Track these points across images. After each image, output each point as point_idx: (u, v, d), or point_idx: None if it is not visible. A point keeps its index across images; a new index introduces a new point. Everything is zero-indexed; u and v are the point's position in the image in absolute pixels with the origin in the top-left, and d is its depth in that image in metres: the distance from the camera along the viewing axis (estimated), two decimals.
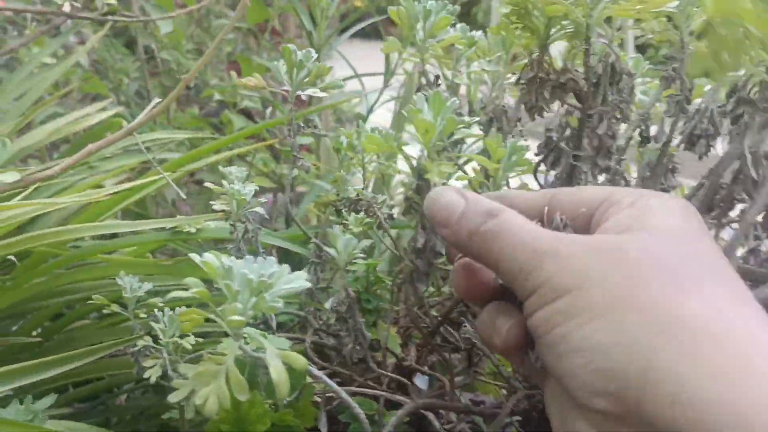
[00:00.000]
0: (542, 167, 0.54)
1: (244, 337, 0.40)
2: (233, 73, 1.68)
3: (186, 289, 0.34)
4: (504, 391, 0.78)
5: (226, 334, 0.41)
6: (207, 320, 0.40)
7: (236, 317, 0.33)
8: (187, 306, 0.75)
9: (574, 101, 0.70)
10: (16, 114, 0.99)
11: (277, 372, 0.33)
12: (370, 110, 1.28)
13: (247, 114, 1.45)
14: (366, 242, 0.46)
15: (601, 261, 0.33)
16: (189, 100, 1.80)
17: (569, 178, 0.49)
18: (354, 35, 1.45)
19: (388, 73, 1.24)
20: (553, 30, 0.58)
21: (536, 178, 0.55)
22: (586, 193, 0.39)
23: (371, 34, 1.49)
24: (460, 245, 0.39)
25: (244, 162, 1.13)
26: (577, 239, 0.35)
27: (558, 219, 0.38)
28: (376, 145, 0.44)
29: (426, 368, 0.65)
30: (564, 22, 0.55)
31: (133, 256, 0.80)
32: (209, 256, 0.34)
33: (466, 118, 0.42)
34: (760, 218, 0.59)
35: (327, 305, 0.47)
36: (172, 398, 0.34)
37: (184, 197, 0.72)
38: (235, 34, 1.88)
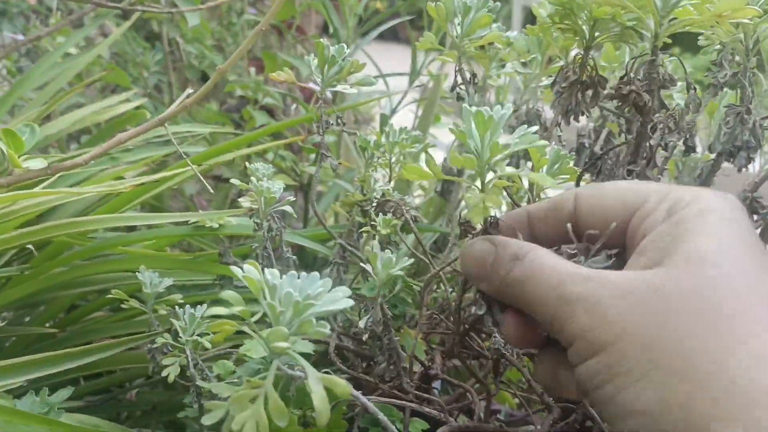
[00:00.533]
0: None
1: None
2: (252, 70, 1.67)
3: (225, 305, 0.32)
4: (517, 400, 0.76)
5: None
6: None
7: (282, 344, 0.31)
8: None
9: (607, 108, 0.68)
10: (39, 103, 0.98)
11: (319, 399, 0.31)
12: (394, 111, 1.27)
13: (268, 111, 1.44)
14: (408, 261, 0.44)
15: (635, 310, 0.30)
16: (208, 95, 1.79)
17: None
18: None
19: (414, 74, 1.23)
20: (597, 33, 0.56)
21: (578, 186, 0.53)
22: (613, 198, 0.36)
23: (388, 36, 1.47)
24: (498, 295, 0.38)
25: (263, 159, 1.12)
26: (607, 281, 0.32)
27: (586, 246, 0.36)
28: (418, 174, 0.42)
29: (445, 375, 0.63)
30: (611, 25, 0.53)
31: (152, 250, 0.79)
32: (251, 270, 0.32)
33: (520, 132, 0.39)
34: None
35: (361, 323, 0.45)
36: (206, 421, 0.33)
37: (212, 191, 0.71)
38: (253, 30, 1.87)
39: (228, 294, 0.34)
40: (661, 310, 0.29)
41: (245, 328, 0.36)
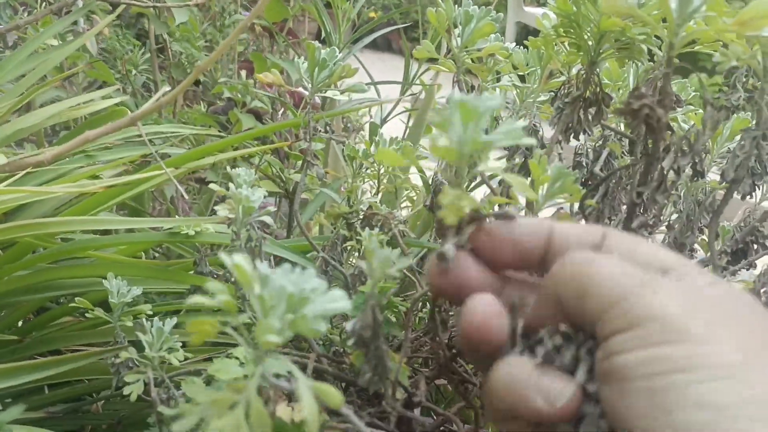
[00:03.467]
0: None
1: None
2: (243, 72, 1.63)
3: (209, 296, 0.28)
4: None
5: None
6: None
7: (272, 337, 0.27)
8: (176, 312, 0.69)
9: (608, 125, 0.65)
10: (15, 94, 0.94)
11: (309, 407, 0.27)
12: (384, 120, 1.24)
13: (255, 114, 1.40)
14: (406, 261, 0.40)
15: (736, 312, 0.29)
16: (196, 97, 1.75)
17: (627, 216, 0.43)
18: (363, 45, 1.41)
19: (406, 83, 1.20)
20: (603, 47, 0.53)
21: (582, 209, 0.50)
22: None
23: (382, 45, 1.44)
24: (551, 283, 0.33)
25: (248, 164, 1.08)
26: (698, 284, 0.30)
27: None
28: (390, 159, 0.37)
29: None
30: (619, 39, 0.50)
31: (125, 254, 0.74)
32: (241, 259, 0.28)
33: (506, 126, 0.35)
34: None
35: (348, 326, 0.41)
36: (177, 428, 0.29)
37: (186, 196, 0.67)
38: (248, 33, 1.84)
39: (213, 285, 0.31)
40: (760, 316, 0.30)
41: (228, 329, 0.32)
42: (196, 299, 0.31)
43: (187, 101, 1.68)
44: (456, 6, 0.56)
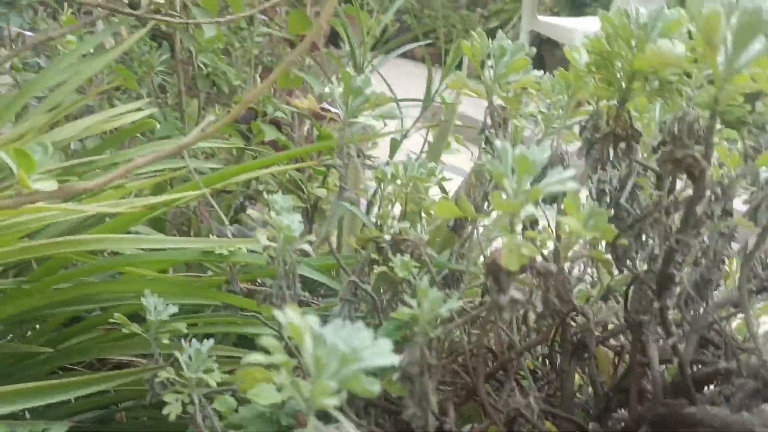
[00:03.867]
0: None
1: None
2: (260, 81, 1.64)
3: (266, 352, 0.30)
4: None
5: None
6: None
7: (329, 400, 0.29)
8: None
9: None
10: (49, 106, 0.96)
11: None
12: (405, 135, 1.25)
13: (276, 125, 1.42)
14: (455, 303, 0.42)
15: None
16: (210, 101, 1.77)
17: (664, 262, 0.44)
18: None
19: (428, 100, 1.21)
20: (635, 84, 0.54)
21: (614, 250, 0.51)
22: None
23: (404, 53, 1.46)
24: None
25: (273, 178, 1.10)
26: None
27: None
28: (448, 212, 0.40)
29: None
30: (651, 78, 0.52)
31: (154, 270, 0.76)
32: (293, 316, 0.29)
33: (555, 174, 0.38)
34: None
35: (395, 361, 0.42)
36: None
37: (227, 222, 0.68)
38: (263, 39, 1.85)
39: (268, 341, 0.32)
40: None
41: (282, 380, 0.33)
42: (253, 358, 0.32)
43: (202, 106, 1.70)
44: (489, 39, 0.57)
